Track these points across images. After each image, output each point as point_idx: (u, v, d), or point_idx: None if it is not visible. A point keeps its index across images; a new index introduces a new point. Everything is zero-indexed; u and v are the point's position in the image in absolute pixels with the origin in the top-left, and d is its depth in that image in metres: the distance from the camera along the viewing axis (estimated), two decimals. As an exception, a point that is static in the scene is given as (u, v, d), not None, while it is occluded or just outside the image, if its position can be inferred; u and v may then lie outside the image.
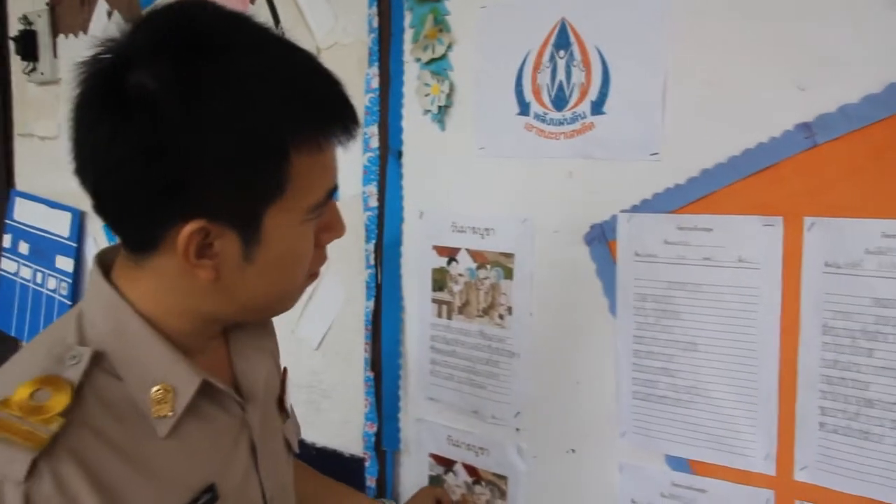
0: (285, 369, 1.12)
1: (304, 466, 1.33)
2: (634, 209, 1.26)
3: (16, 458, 0.72)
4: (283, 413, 1.07)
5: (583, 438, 1.37)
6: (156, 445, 0.82)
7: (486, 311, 1.47)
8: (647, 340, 1.27)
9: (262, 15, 1.77)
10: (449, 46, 1.46)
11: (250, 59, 0.75)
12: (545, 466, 1.41)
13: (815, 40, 1.08)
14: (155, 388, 0.82)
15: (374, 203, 1.62)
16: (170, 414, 0.82)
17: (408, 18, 1.53)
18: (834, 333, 1.09)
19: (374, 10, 1.57)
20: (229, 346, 0.96)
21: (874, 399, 1.07)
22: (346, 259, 1.67)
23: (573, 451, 1.36)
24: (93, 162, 0.77)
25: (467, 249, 1.48)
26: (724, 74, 1.16)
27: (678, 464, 1.26)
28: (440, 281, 1.52)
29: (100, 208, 0.80)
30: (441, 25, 1.47)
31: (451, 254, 1.50)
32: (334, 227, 0.90)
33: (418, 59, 1.51)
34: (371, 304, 1.64)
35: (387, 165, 1.59)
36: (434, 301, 1.54)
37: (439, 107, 1.48)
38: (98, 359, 0.80)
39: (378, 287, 1.64)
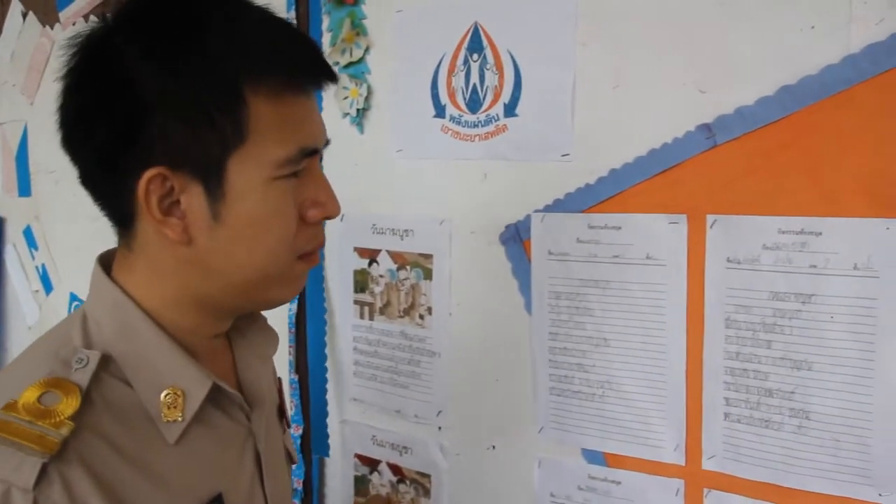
0: (279, 379, 1.10)
1: None
2: (547, 209, 1.29)
3: (24, 463, 0.69)
4: (284, 422, 1.06)
5: (502, 435, 1.39)
6: (165, 452, 0.79)
7: (406, 312, 1.48)
8: (561, 337, 1.30)
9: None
10: (366, 50, 1.48)
11: (213, 10, 0.76)
12: (467, 463, 1.43)
13: (713, 44, 1.12)
14: (165, 392, 0.80)
15: (295, 206, 1.62)
16: (180, 418, 0.80)
17: (325, 22, 1.53)
18: (736, 327, 1.13)
19: (293, 13, 1.57)
20: (234, 355, 0.94)
21: (773, 389, 1.11)
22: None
23: (493, 447, 1.38)
24: (66, 124, 0.78)
25: (387, 251, 1.49)
26: (630, 77, 1.19)
27: (594, 457, 1.30)
28: (362, 282, 1.54)
29: (82, 175, 0.80)
30: (358, 29, 1.48)
31: (371, 255, 1.51)
32: (322, 203, 0.83)
33: (336, 63, 1.51)
34: (294, 306, 1.65)
35: (308, 168, 1.60)
36: (356, 302, 1.55)
37: (358, 110, 1.49)
38: (105, 362, 0.78)
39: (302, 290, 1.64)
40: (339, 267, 1.58)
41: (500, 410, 1.39)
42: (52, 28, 2.16)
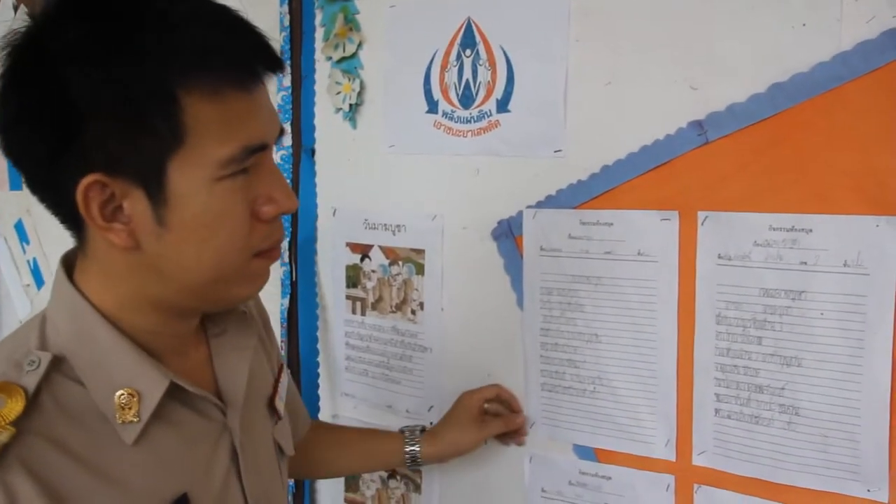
0: (282, 366, 1.08)
1: (330, 427, 1.36)
2: (539, 205, 1.29)
3: None
4: (275, 415, 1.02)
5: (495, 430, 1.39)
6: (122, 454, 0.77)
7: (398, 307, 1.48)
8: (553, 333, 1.30)
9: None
10: (359, 45, 1.48)
11: (144, 6, 0.72)
12: (458, 459, 1.43)
13: (705, 41, 1.12)
14: (119, 393, 0.77)
15: (287, 201, 1.62)
16: (135, 419, 0.78)
17: (318, 17, 1.53)
18: (727, 323, 1.14)
19: (286, 8, 1.57)
20: (210, 350, 0.92)
21: (763, 385, 1.12)
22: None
23: (485, 442, 1.38)
24: (4, 130, 0.76)
25: (380, 246, 1.49)
26: (623, 74, 1.19)
27: (585, 452, 1.30)
28: (354, 277, 1.54)
29: (27, 181, 0.78)
30: (351, 24, 1.48)
31: (363, 251, 1.51)
32: (276, 199, 0.80)
33: (329, 58, 1.51)
34: (286, 301, 1.65)
35: (300, 163, 1.60)
36: (348, 297, 1.55)
37: (350, 105, 1.49)
38: (58, 364, 0.77)
39: (293, 284, 1.64)
40: (331, 262, 1.58)
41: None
42: (43, 21, 2.14)
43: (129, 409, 0.78)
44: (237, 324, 0.95)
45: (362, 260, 1.52)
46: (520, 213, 1.31)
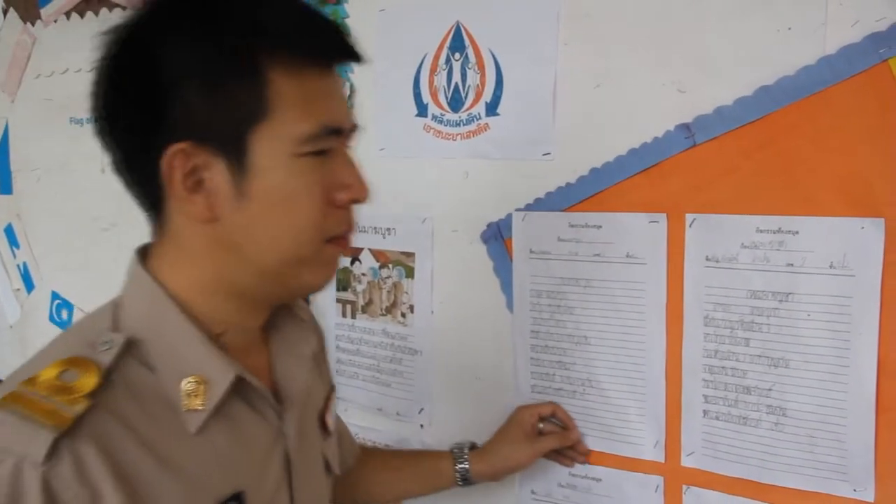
0: (333, 388, 1.08)
1: (379, 451, 1.32)
2: (528, 207, 1.29)
3: (37, 437, 0.68)
4: (325, 431, 1.02)
5: (484, 432, 1.39)
6: (184, 443, 0.77)
7: (388, 310, 1.49)
8: (542, 335, 1.31)
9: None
10: (349, 49, 1.48)
11: None
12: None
13: (692, 45, 1.13)
14: (187, 380, 0.78)
15: (278, 204, 1.62)
16: (201, 407, 0.78)
17: (308, 21, 1.53)
18: (714, 325, 1.15)
19: (275, 12, 1.57)
20: (270, 352, 0.92)
21: (751, 386, 1.12)
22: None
23: (476, 445, 1.38)
24: (98, 110, 0.79)
25: (370, 249, 1.50)
26: (611, 77, 1.20)
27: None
28: (344, 280, 1.54)
29: (114, 162, 0.80)
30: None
31: (354, 254, 1.52)
32: (350, 185, 0.81)
33: (319, 61, 1.52)
34: (277, 305, 1.65)
35: (290, 167, 1.60)
36: (338, 301, 1.56)
37: (340, 108, 1.49)
38: (131, 346, 0.77)
39: (284, 288, 1.64)
40: (321, 265, 1.58)
41: (481, 408, 1.40)
42: (32, 25, 2.14)
43: (196, 396, 0.78)
44: (298, 332, 0.95)
45: (352, 263, 1.52)
46: (509, 216, 1.32)
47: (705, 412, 1.17)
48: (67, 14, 2.01)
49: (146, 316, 0.80)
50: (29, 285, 2.35)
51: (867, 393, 1.03)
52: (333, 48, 0.80)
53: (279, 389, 0.90)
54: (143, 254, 0.85)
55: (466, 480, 1.25)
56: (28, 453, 0.67)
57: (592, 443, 1.28)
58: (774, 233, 1.08)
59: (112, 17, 1.87)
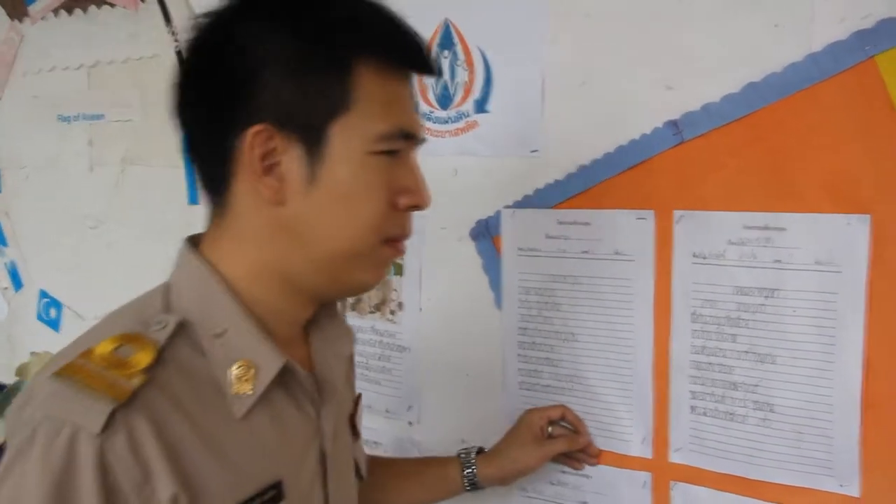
0: (359, 395, 1.09)
1: (385, 460, 1.29)
2: (517, 205, 1.30)
3: (93, 408, 0.69)
4: (355, 434, 1.04)
5: (473, 429, 1.40)
6: (230, 427, 0.79)
7: (377, 308, 1.49)
8: (530, 332, 1.31)
9: (153, 14, 1.76)
10: (338, 46, 1.48)
11: None
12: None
13: (680, 42, 1.13)
14: (237, 364, 0.79)
15: (267, 202, 1.62)
16: (249, 391, 0.79)
17: (297, 18, 1.53)
18: (702, 321, 1.15)
19: (264, 9, 1.57)
20: (310, 348, 0.92)
21: (738, 382, 1.13)
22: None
23: (464, 441, 1.39)
24: (182, 88, 0.82)
25: (359, 247, 1.49)
26: (599, 74, 1.21)
27: (563, 451, 1.31)
28: (332, 278, 1.54)
29: (189, 142, 0.83)
30: (330, 25, 1.48)
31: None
32: (413, 192, 0.84)
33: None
34: (266, 302, 1.65)
35: (279, 164, 1.60)
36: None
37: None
38: (182, 328, 0.79)
39: (273, 286, 1.64)
40: (310, 263, 1.58)
41: (470, 405, 1.40)
42: (20, 22, 2.13)
43: (245, 381, 0.79)
44: (337, 331, 0.97)
45: (341, 260, 1.52)
46: (497, 213, 1.32)
47: (693, 408, 1.17)
48: (55, 11, 2.00)
49: (197, 299, 0.81)
50: (17, 283, 2.34)
51: (853, 389, 1.04)
52: (419, 59, 0.84)
53: (319, 384, 0.90)
54: (193, 241, 0.86)
55: (474, 485, 1.23)
56: (84, 424, 0.68)
57: (581, 439, 1.28)
58: (761, 229, 1.09)
59: (100, 15, 1.86)
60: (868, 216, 1.01)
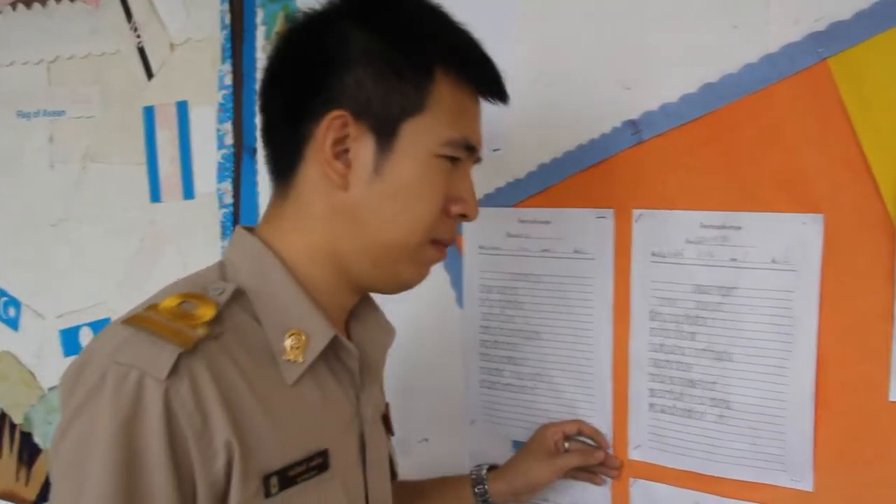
0: (387, 404, 1.11)
1: (400, 482, 1.22)
2: (478, 203, 1.29)
3: (161, 353, 0.72)
4: (389, 431, 1.08)
5: (435, 428, 1.40)
6: (281, 391, 0.82)
7: (340, 306, 1.48)
8: (492, 330, 1.31)
9: (112, 9, 1.74)
10: (300, 44, 1.47)
11: (423, 4, 0.88)
12: (400, 457, 1.43)
13: (638, 43, 1.14)
14: (290, 332, 0.83)
15: (228, 200, 1.61)
16: (301, 359, 0.83)
17: (259, 16, 1.53)
18: (660, 319, 1.16)
19: (226, 6, 1.56)
20: (352, 335, 0.95)
21: (696, 380, 1.14)
22: (203, 257, 1.66)
23: (426, 440, 1.39)
24: (273, 72, 0.89)
25: (321, 245, 1.49)
26: (560, 74, 1.21)
27: (524, 448, 1.31)
28: (295, 277, 1.53)
29: (268, 125, 0.89)
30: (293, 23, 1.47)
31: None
32: (465, 200, 0.90)
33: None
34: (228, 301, 1.64)
35: (241, 163, 1.59)
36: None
37: (292, 103, 1.48)
38: (239, 295, 0.83)
39: (235, 284, 1.63)
40: (272, 261, 1.57)
41: (432, 404, 1.40)
42: (-20, 17, 2.10)
43: (297, 349, 0.83)
44: (378, 326, 1.00)
45: (304, 259, 1.51)
46: (459, 212, 1.32)
47: (651, 405, 1.18)
48: (13, 5, 1.97)
49: (253, 272, 0.85)
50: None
51: (806, 386, 1.05)
52: (492, 82, 0.91)
53: (361, 367, 0.93)
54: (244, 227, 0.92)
55: (486, 502, 1.21)
56: (151, 369, 0.71)
57: (541, 437, 1.28)
58: (718, 228, 1.10)
59: (60, 9, 1.84)
60: (821, 215, 1.03)
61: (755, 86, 1.06)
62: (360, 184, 0.83)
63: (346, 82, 0.82)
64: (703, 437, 1.14)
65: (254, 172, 1.57)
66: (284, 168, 0.88)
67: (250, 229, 0.90)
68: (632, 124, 1.15)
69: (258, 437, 0.77)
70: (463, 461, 1.36)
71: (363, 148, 0.83)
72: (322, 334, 0.85)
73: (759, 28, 1.05)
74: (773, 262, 1.06)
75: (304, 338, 0.84)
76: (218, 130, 1.60)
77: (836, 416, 1.04)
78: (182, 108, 1.67)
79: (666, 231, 1.14)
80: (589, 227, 1.20)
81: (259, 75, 1.52)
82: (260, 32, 1.53)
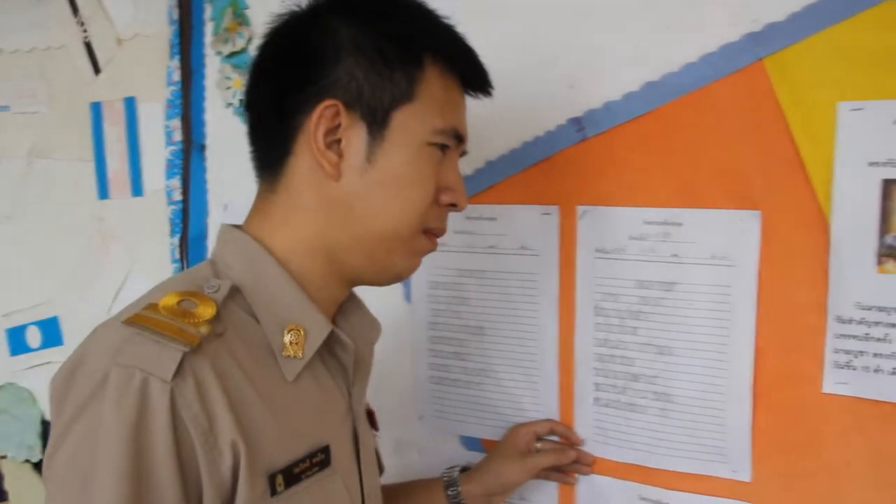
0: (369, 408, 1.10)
1: None
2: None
3: (164, 354, 0.71)
4: (373, 426, 1.10)
5: (386, 423, 1.39)
6: (281, 388, 0.82)
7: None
8: (440, 326, 1.32)
9: (58, 2, 1.71)
10: (249, 40, 1.47)
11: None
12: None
13: (583, 42, 1.15)
14: (288, 327, 0.83)
15: (178, 197, 1.60)
16: (300, 355, 0.84)
17: (208, 11, 1.52)
18: (604, 314, 1.18)
19: (174, 1, 1.55)
20: (341, 329, 0.92)
21: (639, 374, 1.16)
22: (152, 253, 1.65)
23: (376, 435, 1.39)
24: (262, 65, 0.90)
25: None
26: (505, 72, 1.21)
27: (472, 444, 1.32)
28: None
29: (257, 118, 0.91)
30: (241, 19, 1.47)
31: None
32: (455, 191, 0.91)
33: (219, 53, 1.50)
34: (176, 298, 1.62)
35: (190, 159, 1.58)
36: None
37: (241, 100, 1.48)
38: (235, 292, 0.83)
39: (184, 282, 1.62)
40: (221, 258, 1.56)
41: (381, 399, 1.39)
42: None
43: (296, 344, 0.84)
44: (364, 321, 1.00)
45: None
46: (407, 209, 1.32)
47: (596, 399, 1.20)
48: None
49: (246, 269, 0.85)
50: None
51: (744, 379, 1.07)
52: (478, 75, 0.94)
53: (354, 362, 0.93)
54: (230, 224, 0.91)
55: None
56: (156, 370, 0.70)
57: (488, 432, 1.30)
58: (660, 224, 1.12)
59: (2, 2, 1.81)
60: (759, 212, 1.05)
61: (695, 84, 1.08)
62: (352, 173, 0.84)
63: (337, 73, 0.82)
64: (645, 430, 1.16)
65: (203, 169, 1.56)
66: (273, 162, 0.87)
67: (237, 226, 0.89)
68: (576, 122, 1.17)
69: (263, 436, 0.77)
70: (412, 457, 1.37)
71: (355, 137, 0.83)
72: (319, 329, 0.85)
73: (698, 28, 1.07)
74: (713, 257, 1.08)
75: (302, 333, 0.84)
76: (166, 127, 1.59)
77: (772, 408, 1.06)
78: (130, 104, 1.65)
79: (609, 227, 1.16)
80: (534, 223, 1.21)
81: (207, 71, 1.52)
82: (208, 28, 1.52)
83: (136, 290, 1.66)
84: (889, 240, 0.97)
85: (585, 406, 1.21)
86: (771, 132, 1.03)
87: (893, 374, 0.98)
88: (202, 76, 1.54)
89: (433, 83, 0.86)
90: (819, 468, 1.04)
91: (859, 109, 0.97)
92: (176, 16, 1.55)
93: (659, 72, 1.10)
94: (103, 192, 1.71)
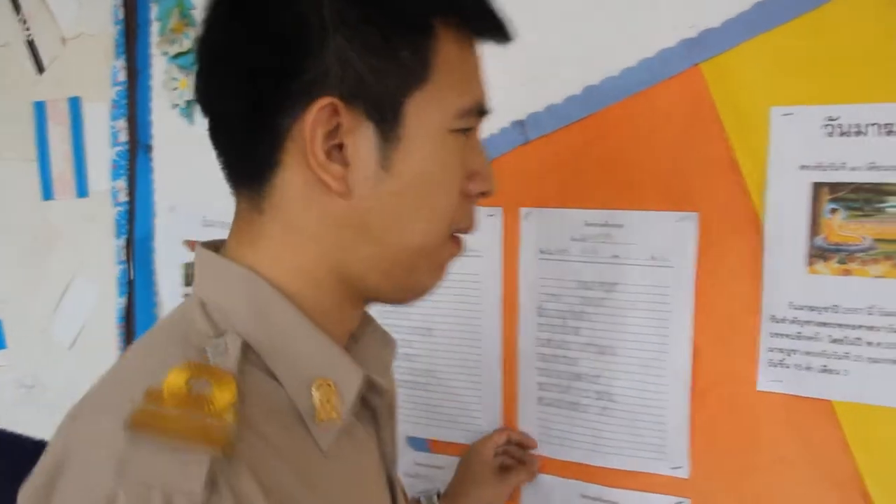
0: None
1: None
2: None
3: (188, 462, 0.54)
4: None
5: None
6: (318, 458, 0.66)
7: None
8: (387, 327, 1.32)
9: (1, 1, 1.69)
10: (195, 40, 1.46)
11: None
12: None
13: (525, 44, 1.16)
14: (315, 384, 0.67)
15: (123, 198, 1.58)
16: (335, 416, 0.67)
17: (154, 11, 1.51)
18: (547, 315, 1.19)
19: (119, 1, 1.54)
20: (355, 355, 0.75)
21: (581, 373, 1.17)
22: (97, 255, 1.63)
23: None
24: (213, 56, 0.68)
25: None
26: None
27: (418, 444, 1.33)
28: (191, 276, 1.51)
29: (221, 123, 0.69)
30: (187, 19, 1.46)
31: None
32: (484, 176, 0.74)
33: (165, 53, 1.49)
34: (123, 300, 1.61)
35: (136, 160, 1.57)
36: (186, 296, 1.53)
37: (187, 101, 1.47)
38: (247, 350, 0.65)
39: (130, 283, 1.61)
40: (167, 260, 1.55)
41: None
42: None
43: (328, 403, 0.67)
44: (379, 339, 0.84)
45: (200, 257, 1.50)
46: (354, 210, 1.33)
47: (540, 399, 1.21)
48: None
49: (250, 313, 0.67)
50: None
51: (683, 376, 1.09)
52: (496, 22, 0.71)
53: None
54: (211, 248, 0.72)
55: None
56: (182, 484, 0.53)
57: (434, 432, 1.31)
58: (601, 226, 1.14)
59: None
60: (696, 214, 1.07)
61: (634, 88, 1.10)
62: (364, 185, 0.65)
63: (327, 60, 0.62)
64: (588, 429, 1.18)
65: (149, 170, 1.55)
66: (253, 176, 0.67)
67: (216, 248, 0.72)
68: (519, 125, 1.18)
69: None
70: (359, 458, 1.37)
71: (362, 140, 0.64)
72: (350, 378, 0.69)
73: (637, 33, 1.09)
74: (652, 258, 1.10)
75: (332, 386, 0.67)
76: (112, 127, 1.58)
77: (710, 406, 1.09)
78: (74, 103, 1.63)
79: (552, 229, 1.17)
80: (479, 225, 1.22)
81: (153, 71, 1.51)
82: (154, 28, 1.51)
83: (81, 289, 1.65)
84: (818, 241, 0.99)
85: (529, 405, 1.22)
86: (708, 136, 1.05)
87: (822, 371, 1.00)
88: (148, 76, 1.53)
89: (449, 52, 0.66)
90: (755, 464, 1.06)
91: (790, 114, 0.99)
92: (121, 15, 1.54)
93: (599, 76, 1.12)
94: (47, 193, 1.69)
